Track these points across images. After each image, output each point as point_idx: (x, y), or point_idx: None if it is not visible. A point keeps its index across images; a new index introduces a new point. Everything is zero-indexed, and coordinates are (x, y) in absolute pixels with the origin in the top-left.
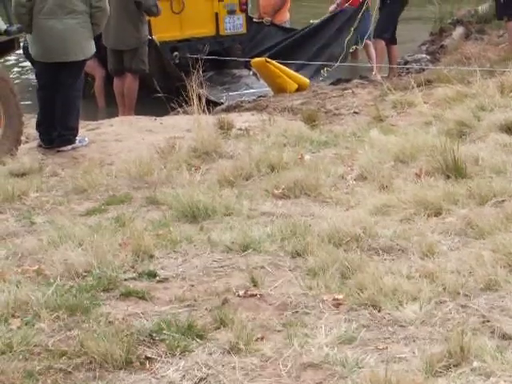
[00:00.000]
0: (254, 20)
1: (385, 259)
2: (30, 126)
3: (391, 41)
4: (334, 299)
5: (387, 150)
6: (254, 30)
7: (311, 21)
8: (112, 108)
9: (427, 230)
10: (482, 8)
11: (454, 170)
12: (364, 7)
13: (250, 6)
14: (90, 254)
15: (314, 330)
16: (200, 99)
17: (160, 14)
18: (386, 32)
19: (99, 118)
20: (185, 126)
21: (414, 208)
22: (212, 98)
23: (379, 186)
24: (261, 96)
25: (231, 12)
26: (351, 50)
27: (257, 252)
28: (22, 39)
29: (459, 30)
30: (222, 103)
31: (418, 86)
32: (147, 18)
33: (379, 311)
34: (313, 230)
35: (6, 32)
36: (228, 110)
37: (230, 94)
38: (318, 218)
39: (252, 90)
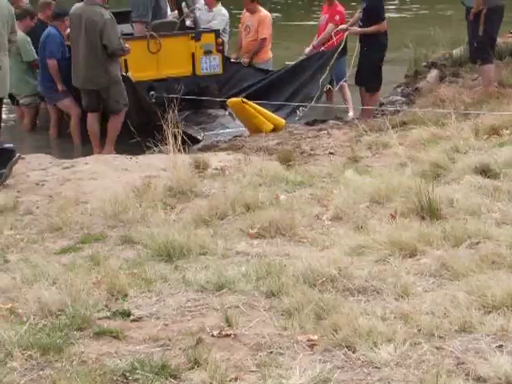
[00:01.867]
0: (232, 60)
1: (360, 300)
2: None
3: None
4: (309, 340)
5: (362, 191)
6: (231, 71)
7: (286, 62)
8: (87, 146)
9: (402, 271)
10: (457, 51)
11: (429, 212)
12: (340, 48)
13: (227, 46)
14: (63, 292)
15: (289, 370)
16: (176, 138)
17: (127, 54)
18: (376, 83)
19: (74, 156)
20: (160, 165)
21: (389, 249)
22: (190, 132)
23: (354, 227)
24: (236, 136)
25: (207, 52)
26: (325, 90)
27: (232, 292)
28: None
29: (434, 73)
30: (199, 140)
31: (393, 127)
32: (122, 57)
33: (354, 352)
34: (288, 270)
35: None
36: (204, 149)
37: (206, 133)
38: (293, 258)
39: (228, 130)
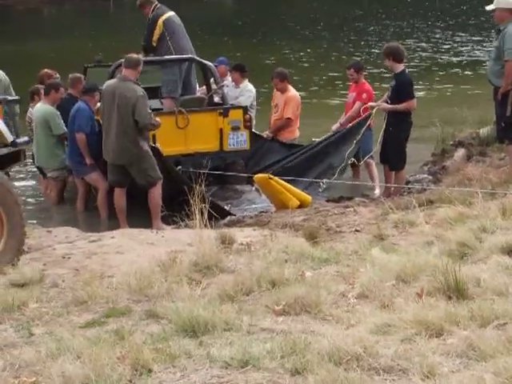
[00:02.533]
0: (257, 133)
1: (385, 379)
2: (31, 236)
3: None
4: None
5: (388, 269)
6: (257, 146)
7: (313, 139)
8: (114, 220)
9: (428, 350)
10: (484, 131)
11: (456, 291)
12: (368, 122)
13: (254, 122)
14: (87, 366)
15: None
16: (202, 214)
17: (158, 127)
18: (400, 162)
19: (101, 230)
20: (186, 240)
21: (415, 328)
22: (219, 203)
23: (380, 305)
24: (263, 211)
25: (235, 128)
26: (349, 162)
27: (256, 369)
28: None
29: (461, 152)
30: (227, 211)
31: (420, 205)
32: (151, 132)
33: None
34: (313, 348)
35: (13, 143)
36: (229, 224)
37: (232, 208)
38: (319, 336)
39: (254, 206)
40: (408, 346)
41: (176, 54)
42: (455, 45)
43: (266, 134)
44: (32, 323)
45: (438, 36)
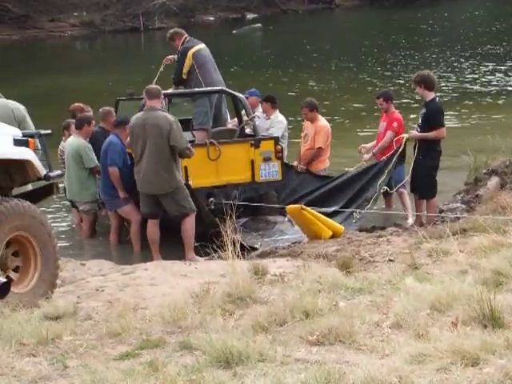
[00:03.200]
0: (289, 164)
1: None
2: (65, 269)
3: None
4: None
5: (423, 298)
6: (289, 177)
7: (346, 169)
8: (147, 252)
9: (464, 380)
10: None
11: (491, 320)
12: (398, 152)
13: (285, 153)
14: None
15: None
16: (234, 245)
17: (191, 156)
18: (431, 190)
19: (134, 262)
20: (219, 271)
21: (451, 357)
22: (246, 243)
23: (415, 335)
24: (295, 242)
25: (267, 159)
26: (382, 191)
27: None
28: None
29: (494, 180)
30: (257, 248)
31: (454, 234)
32: (183, 164)
33: None
34: (347, 378)
35: (46, 177)
36: (262, 255)
37: (265, 240)
38: (353, 366)
39: (286, 237)
40: (444, 375)
41: (206, 87)
42: (483, 74)
43: (299, 166)
44: (66, 356)
45: (465, 65)
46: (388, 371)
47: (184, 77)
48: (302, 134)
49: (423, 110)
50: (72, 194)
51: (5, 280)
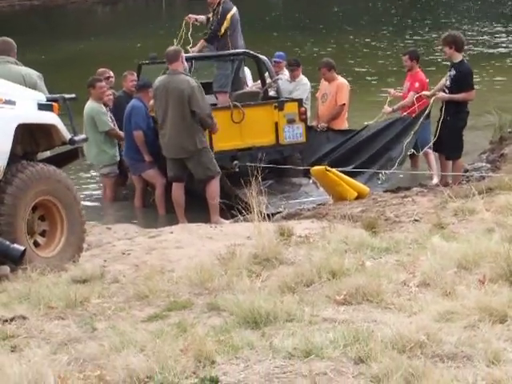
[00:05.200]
0: (310, 125)
1: (450, 366)
2: (91, 233)
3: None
4: None
5: (449, 257)
6: (311, 138)
7: (365, 123)
8: (171, 216)
9: (492, 337)
10: None
11: None
12: (426, 112)
13: (309, 114)
14: (151, 359)
15: None
16: (260, 206)
17: (214, 128)
18: (458, 151)
19: (159, 225)
20: (245, 234)
21: (479, 315)
22: (268, 212)
23: (442, 293)
24: (320, 204)
25: (291, 121)
26: (408, 154)
27: (319, 358)
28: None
29: None
30: (281, 211)
31: (479, 193)
32: None
33: None
34: (376, 336)
35: (70, 141)
36: (287, 217)
37: (290, 202)
38: (381, 324)
39: (311, 198)
40: (472, 332)
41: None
42: (507, 34)
43: (320, 125)
44: (94, 318)
45: (487, 25)
46: (416, 329)
47: (220, 36)
48: (319, 95)
49: (452, 72)
50: (90, 157)
51: (24, 248)
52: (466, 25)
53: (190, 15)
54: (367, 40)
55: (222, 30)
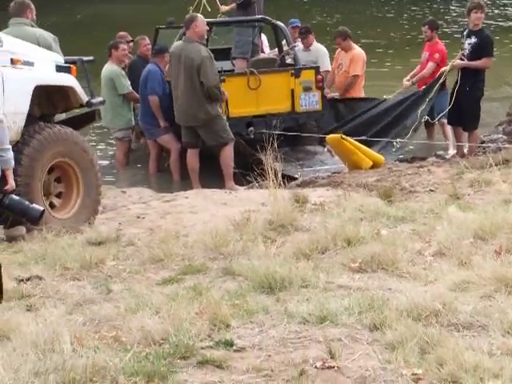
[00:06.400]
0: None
1: (465, 335)
2: (106, 196)
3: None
4: (414, 374)
5: (466, 227)
6: (326, 106)
7: (384, 96)
8: (186, 182)
9: (508, 307)
10: None
11: None
12: (441, 80)
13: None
14: (166, 321)
15: None
16: (276, 173)
17: (222, 98)
18: (475, 122)
19: (173, 190)
20: (259, 200)
21: (495, 285)
22: (287, 173)
23: (458, 263)
24: (335, 172)
25: (307, 89)
26: (423, 120)
27: (334, 324)
28: None
29: None
30: (297, 178)
31: (496, 165)
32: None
33: None
34: (391, 304)
35: (88, 104)
36: (302, 185)
37: (305, 169)
38: (396, 293)
39: (326, 167)
40: (487, 302)
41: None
42: None
43: (330, 95)
44: (110, 280)
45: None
46: (432, 297)
47: (250, 3)
48: (335, 65)
49: (473, 40)
50: (106, 120)
51: (43, 208)
52: None
53: (222, 8)
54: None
55: None
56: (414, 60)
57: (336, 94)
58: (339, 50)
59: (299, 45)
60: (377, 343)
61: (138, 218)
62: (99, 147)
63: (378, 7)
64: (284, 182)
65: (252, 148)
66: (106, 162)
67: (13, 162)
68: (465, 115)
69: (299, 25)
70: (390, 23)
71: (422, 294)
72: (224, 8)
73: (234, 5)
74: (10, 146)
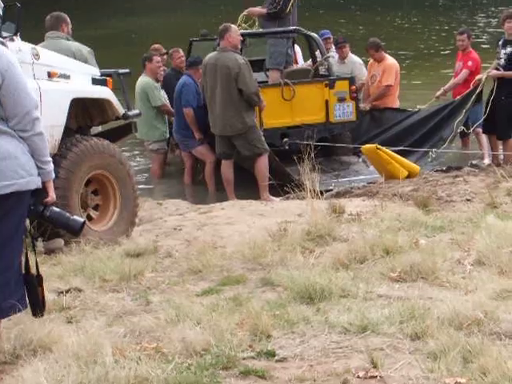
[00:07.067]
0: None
1: (508, 344)
2: (142, 208)
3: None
4: (457, 383)
5: (505, 236)
6: (361, 118)
7: (418, 106)
8: (222, 192)
9: None
10: None
11: None
12: (478, 90)
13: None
14: (207, 332)
15: None
16: (313, 183)
17: (261, 105)
18: (510, 131)
19: (209, 202)
20: (296, 211)
21: None
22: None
23: (498, 271)
24: (370, 182)
25: (341, 100)
26: (458, 131)
27: (375, 334)
28: None
29: None
30: (331, 189)
31: None
32: None
33: None
34: (432, 313)
35: (124, 116)
36: (338, 195)
37: (340, 180)
38: (437, 302)
39: (361, 177)
40: None
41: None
42: None
43: (362, 106)
44: (149, 292)
45: None
46: (473, 306)
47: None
48: (369, 76)
49: (509, 49)
50: (141, 133)
51: (83, 219)
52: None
53: (250, 9)
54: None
55: (289, 7)
56: (444, 71)
57: (363, 105)
58: (371, 61)
59: (334, 55)
60: (419, 352)
61: (175, 229)
62: (135, 160)
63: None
64: (321, 193)
65: (288, 159)
66: (141, 175)
67: (53, 175)
68: (499, 124)
69: (330, 36)
70: (417, 34)
71: (463, 303)
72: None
73: (262, 11)
74: (51, 159)
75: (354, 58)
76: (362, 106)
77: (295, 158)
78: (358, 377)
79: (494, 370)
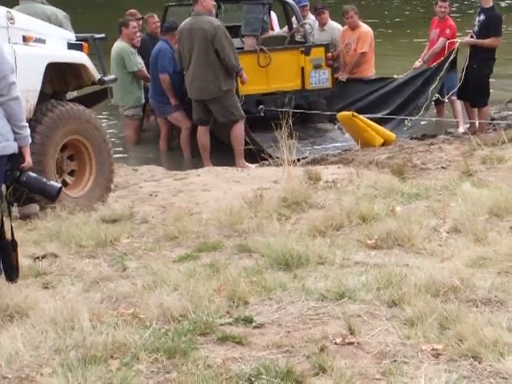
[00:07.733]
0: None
1: (484, 311)
2: (117, 174)
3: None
4: (433, 349)
5: (481, 204)
6: (337, 85)
7: (395, 76)
8: (197, 159)
9: None
10: None
11: None
12: (452, 57)
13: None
14: (185, 298)
15: (414, 379)
16: (290, 150)
17: (239, 69)
18: (484, 99)
19: (185, 168)
20: (271, 178)
21: (511, 261)
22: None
23: (474, 239)
24: (346, 150)
25: (317, 67)
26: (433, 99)
27: (352, 301)
28: None
29: None
30: (306, 157)
31: (508, 141)
32: None
33: (480, 363)
34: (409, 280)
35: (100, 81)
36: (313, 162)
37: (315, 147)
38: (413, 269)
39: (337, 144)
40: (505, 278)
41: None
42: None
43: (340, 77)
44: (125, 257)
45: None
46: (449, 273)
47: None
48: (342, 44)
49: (481, 17)
50: (116, 99)
51: (60, 185)
52: None
53: None
54: None
55: None
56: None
57: (343, 77)
58: (345, 29)
59: (312, 23)
60: (396, 319)
61: (151, 195)
62: (110, 125)
63: None
64: (295, 161)
65: (264, 126)
66: (116, 141)
67: (30, 140)
68: (473, 92)
69: (307, 3)
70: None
71: (439, 270)
72: None
73: None
74: (27, 124)
75: (333, 24)
76: (339, 76)
77: (273, 124)
78: (336, 343)
79: (471, 336)
